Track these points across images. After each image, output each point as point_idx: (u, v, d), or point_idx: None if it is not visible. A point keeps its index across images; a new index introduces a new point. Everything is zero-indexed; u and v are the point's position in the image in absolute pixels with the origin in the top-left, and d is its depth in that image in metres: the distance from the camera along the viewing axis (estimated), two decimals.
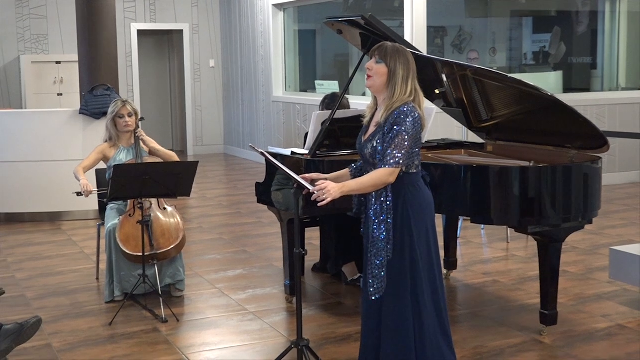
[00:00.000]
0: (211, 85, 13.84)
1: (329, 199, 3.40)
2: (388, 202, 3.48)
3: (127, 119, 5.46)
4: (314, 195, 3.45)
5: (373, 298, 3.54)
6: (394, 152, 3.39)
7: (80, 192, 5.17)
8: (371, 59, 3.53)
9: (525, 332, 4.63)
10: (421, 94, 3.52)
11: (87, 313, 5.15)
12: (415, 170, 3.52)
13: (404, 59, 3.47)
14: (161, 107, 14.37)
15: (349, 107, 5.73)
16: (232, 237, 7.34)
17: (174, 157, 5.58)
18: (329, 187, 3.41)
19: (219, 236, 7.40)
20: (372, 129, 3.56)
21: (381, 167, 3.43)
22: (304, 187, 3.61)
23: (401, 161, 3.41)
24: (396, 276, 3.49)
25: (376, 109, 3.59)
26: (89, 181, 5.26)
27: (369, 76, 3.51)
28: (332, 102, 5.74)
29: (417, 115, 3.44)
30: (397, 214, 3.48)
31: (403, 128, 3.40)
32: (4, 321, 4.21)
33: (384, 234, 3.49)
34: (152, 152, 5.58)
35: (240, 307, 5.22)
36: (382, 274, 3.50)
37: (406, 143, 3.41)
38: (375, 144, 3.47)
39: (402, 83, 3.45)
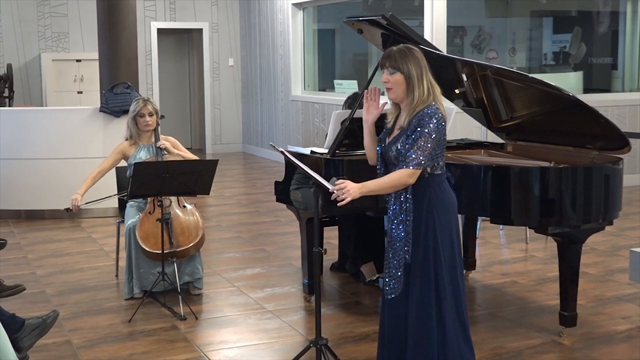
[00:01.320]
0: (230, 84, 13.87)
1: (348, 199, 3.41)
2: (408, 204, 3.47)
3: (148, 118, 5.48)
4: (333, 194, 3.46)
5: (389, 297, 3.53)
6: (416, 153, 3.39)
7: (69, 208, 5.20)
8: (382, 70, 3.52)
9: (544, 333, 4.61)
10: (437, 87, 3.50)
11: (107, 310, 5.18)
12: (440, 171, 3.51)
13: (413, 59, 3.46)
14: (180, 106, 14.42)
15: None
16: (250, 236, 7.35)
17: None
18: (349, 187, 3.42)
19: (238, 234, 7.42)
20: (395, 131, 3.55)
21: (402, 167, 3.42)
22: (323, 187, 3.61)
23: (423, 162, 3.40)
24: (419, 276, 3.48)
25: (398, 113, 3.58)
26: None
27: (388, 89, 3.49)
28: (354, 101, 5.71)
29: (440, 116, 3.43)
30: (422, 215, 3.47)
31: (427, 130, 3.39)
32: (24, 317, 4.25)
33: (402, 234, 3.48)
34: None
35: (259, 305, 5.23)
36: (399, 274, 3.50)
37: (429, 145, 3.40)
38: (399, 147, 3.45)
39: (419, 83, 3.44)
